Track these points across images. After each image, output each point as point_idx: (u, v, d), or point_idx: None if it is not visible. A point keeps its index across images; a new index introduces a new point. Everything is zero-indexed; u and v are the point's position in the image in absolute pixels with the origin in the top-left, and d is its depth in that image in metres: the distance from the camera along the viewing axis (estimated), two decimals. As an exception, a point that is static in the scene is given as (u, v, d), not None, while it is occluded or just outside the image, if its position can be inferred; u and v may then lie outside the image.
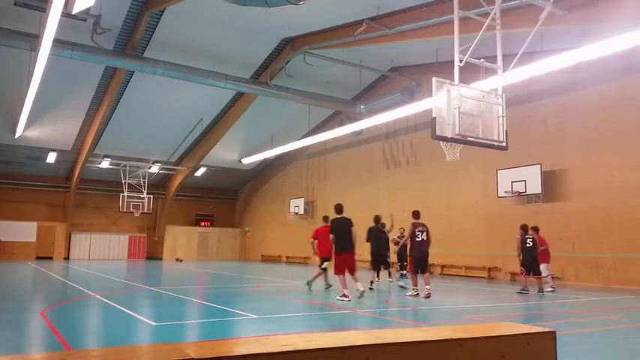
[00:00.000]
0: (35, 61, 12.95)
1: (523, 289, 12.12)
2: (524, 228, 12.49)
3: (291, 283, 14.47)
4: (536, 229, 12.87)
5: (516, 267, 12.58)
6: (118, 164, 27.74)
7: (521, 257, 12.28)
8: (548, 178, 16.17)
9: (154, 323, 7.49)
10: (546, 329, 3.27)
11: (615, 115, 14.82)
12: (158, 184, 31.71)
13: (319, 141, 23.77)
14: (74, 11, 10.20)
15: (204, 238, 33.78)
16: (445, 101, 7.83)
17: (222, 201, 35.28)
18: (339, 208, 10.62)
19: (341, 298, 9.89)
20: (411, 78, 20.27)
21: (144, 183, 28.51)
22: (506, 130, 8.43)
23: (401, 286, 13.38)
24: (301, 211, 27.76)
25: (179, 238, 32.71)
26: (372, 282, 12.67)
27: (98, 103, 21.75)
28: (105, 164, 27.53)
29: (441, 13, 13.44)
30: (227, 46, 18.54)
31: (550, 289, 12.53)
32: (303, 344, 2.57)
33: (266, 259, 31.72)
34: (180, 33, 17.56)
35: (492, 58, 9.11)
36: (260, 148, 26.88)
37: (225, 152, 28.17)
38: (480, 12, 9.67)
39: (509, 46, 9.59)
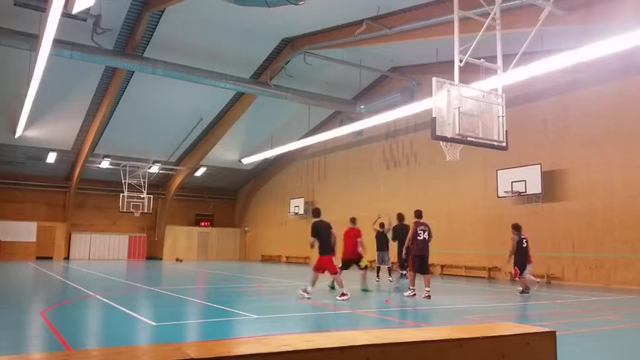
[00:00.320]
0: (35, 61, 12.95)
1: (525, 289, 12.11)
2: (517, 228, 12.47)
3: (291, 284, 14.46)
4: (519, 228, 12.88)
5: (512, 267, 12.51)
6: (118, 164, 27.73)
7: (513, 258, 12.22)
8: (548, 178, 16.17)
9: (154, 323, 7.49)
10: (546, 329, 3.27)
11: (615, 115, 14.82)
12: (158, 184, 31.71)
13: (319, 141, 23.76)
14: (74, 11, 10.21)
15: (204, 238, 33.78)
16: (445, 101, 7.83)
17: (222, 201, 35.28)
18: (316, 212, 10.93)
19: (302, 293, 10.21)
20: (411, 78, 20.27)
21: (144, 183, 28.51)
22: (506, 130, 8.43)
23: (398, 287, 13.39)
24: (301, 211, 27.76)
25: (179, 238, 32.71)
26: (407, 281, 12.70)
27: (98, 103, 21.75)
28: (105, 164, 27.52)
29: (441, 13, 13.44)
30: (227, 46, 18.54)
31: (535, 289, 12.44)
32: (303, 344, 2.57)
33: (266, 259, 31.72)
34: (180, 33, 17.56)
35: (492, 58, 9.11)
36: (260, 148, 26.88)
37: (225, 152, 28.17)
38: (480, 12, 9.67)
39: (509, 46, 9.59)
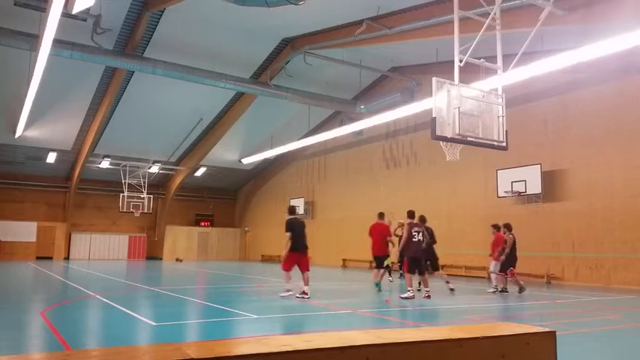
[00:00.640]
0: (35, 61, 12.95)
1: (521, 289, 12.11)
2: (510, 228, 12.45)
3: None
4: (499, 228, 12.87)
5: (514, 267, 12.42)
6: (118, 164, 27.73)
7: (504, 257, 12.16)
8: (548, 178, 16.17)
9: (154, 323, 7.49)
10: (546, 329, 3.27)
11: (615, 115, 14.82)
12: (158, 184, 31.71)
13: (319, 141, 23.76)
14: (74, 11, 10.21)
15: (204, 238, 33.78)
16: (445, 101, 7.83)
17: (222, 201, 35.28)
18: (292, 209, 10.94)
19: (284, 295, 10.15)
20: (411, 78, 20.27)
21: (144, 183, 28.51)
22: (506, 130, 8.42)
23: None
24: (301, 211, 27.74)
25: (179, 238, 32.71)
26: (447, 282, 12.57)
27: (98, 103, 21.75)
28: (105, 164, 27.53)
29: (441, 13, 13.44)
30: (227, 46, 18.54)
31: (502, 289, 12.36)
32: (303, 344, 2.57)
33: (266, 259, 31.71)
34: (180, 33, 17.56)
35: (492, 58, 9.11)
36: (260, 148, 26.88)
37: (225, 152, 28.17)
38: (480, 12, 9.67)
39: (509, 46, 9.59)
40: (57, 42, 13.26)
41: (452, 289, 11.99)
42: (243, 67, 19.86)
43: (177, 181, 30.29)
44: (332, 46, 17.38)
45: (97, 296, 10.58)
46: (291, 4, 12.02)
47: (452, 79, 8.15)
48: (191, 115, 23.81)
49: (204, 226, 34.07)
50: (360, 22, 15.36)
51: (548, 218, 16.15)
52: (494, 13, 9.07)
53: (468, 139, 7.99)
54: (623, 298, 11.85)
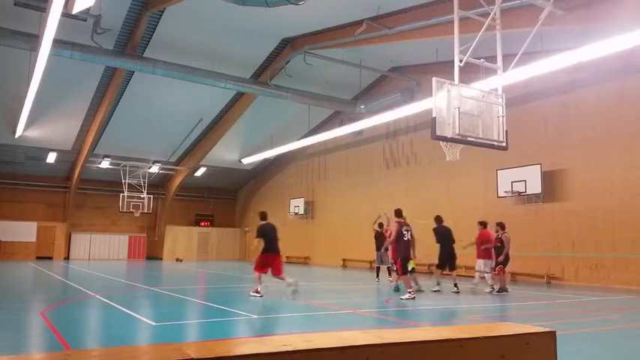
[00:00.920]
0: (35, 61, 12.94)
1: (502, 289, 12.12)
2: (503, 226, 12.43)
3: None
4: (485, 224, 12.81)
5: (513, 267, 12.41)
6: (118, 164, 27.73)
7: (502, 257, 12.15)
8: (548, 178, 16.17)
9: (154, 323, 7.49)
10: (546, 329, 3.27)
11: (615, 115, 14.82)
12: (158, 184, 31.70)
13: (319, 141, 23.75)
14: (74, 11, 10.21)
15: (204, 238, 33.77)
16: (445, 101, 7.83)
17: (222, 201, 35.27)
18: (264, 215, 11.18)
19: (253, 294, 10.38)
20: (411, 78, 20.27)
21: (144, 183, 28.51)
22: (506, 130, 8.43)
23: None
24: (301, 211, 27.75)
25: (179, 238, 32.70)
26: (438, 283, 12.51)
27: (98, 103, 21.75)
28: (105, 164, 27.52)
29: (441, 13, 13.44)
30: (227, 46, 18.53)
31: (499, 289, 12.34)
32: (303, 344, 2.57)
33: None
34: (180, 33, 17.56)
35: (492, 58, 9.11)
36: (260, 148, 26.88)
37: (225, 152, 28.16)
38: (480, 12, 9.67)
39: (509, 46, 9.59)
40: (57, 42, 13.25)
41: (457, 292, 12.02)
42: (243, 67, 19.85)
43: (177, 181, 30.28)
44: (332, 46, 17.38)
45: (97, 296, 10.58)
46: (291, 4, 12.02)
47: (452, 79, 8.15)
48: (191, 115, 23.80)
49: (204, 226, 34.06)
50: (360, 22, 15.36)
51: (548, 218, 16.15)
52: (494, 13, 9.07)
53: (468, 139, 8.00)
54: (623, 298, 11.85)
